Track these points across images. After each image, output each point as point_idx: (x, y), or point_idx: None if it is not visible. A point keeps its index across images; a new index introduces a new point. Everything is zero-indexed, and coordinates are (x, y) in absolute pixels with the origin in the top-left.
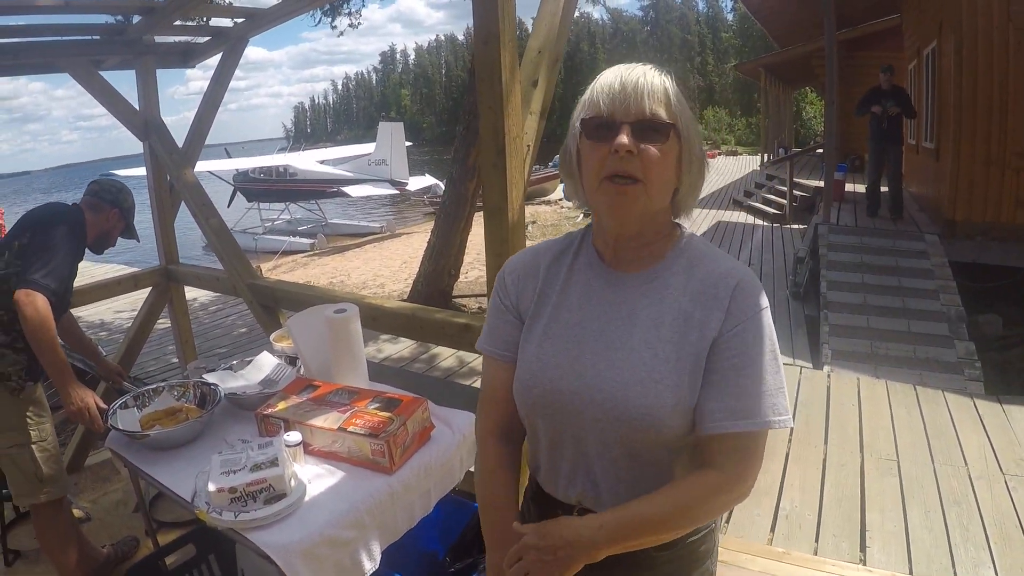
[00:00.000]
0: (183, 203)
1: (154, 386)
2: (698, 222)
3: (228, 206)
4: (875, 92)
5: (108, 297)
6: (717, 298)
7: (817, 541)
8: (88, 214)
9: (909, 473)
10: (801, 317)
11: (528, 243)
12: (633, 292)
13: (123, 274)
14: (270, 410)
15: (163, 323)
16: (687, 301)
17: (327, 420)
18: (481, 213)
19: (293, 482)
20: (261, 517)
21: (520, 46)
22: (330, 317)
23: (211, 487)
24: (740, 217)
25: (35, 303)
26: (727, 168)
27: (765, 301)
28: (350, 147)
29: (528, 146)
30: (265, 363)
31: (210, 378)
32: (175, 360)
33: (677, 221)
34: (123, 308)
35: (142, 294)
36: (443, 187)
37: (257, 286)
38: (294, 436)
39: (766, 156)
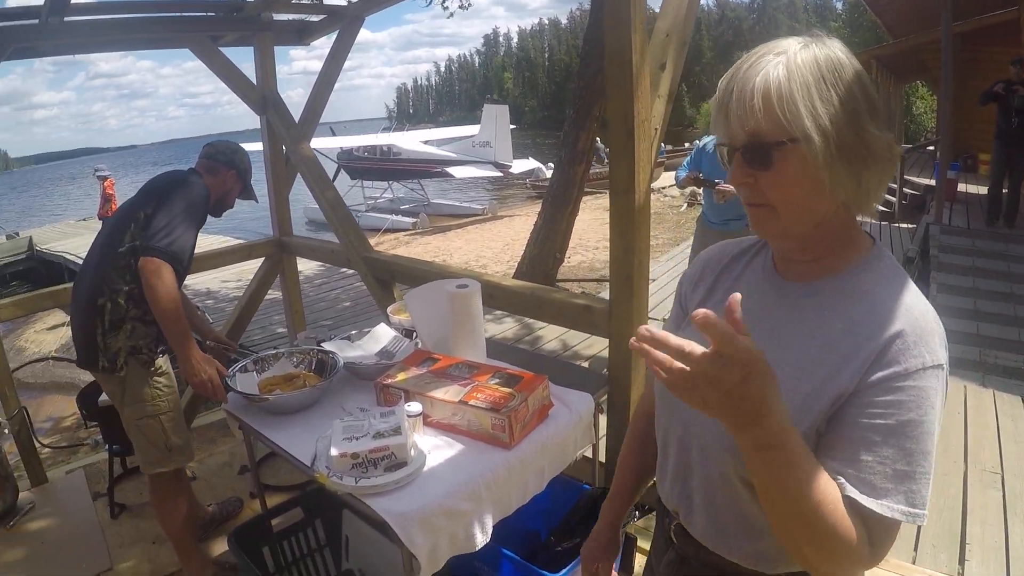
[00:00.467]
0: (297, 177)
1: (273, 352)
2: None
3: (334, 179)
4: (1004, 85)
5: (222, 266)
6: (871, 339)
7: (916, 550)
8: (205, 178)
9: (1013, 487)
10: None
11: None
12: (786, 304)
13: (237, 244)
14: (390, 380)
15: (269, 294)
16: (839, 330)
17: (448, 393)
18: (588, 198)
19: (414, 451)
20: (381, 484)
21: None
22: (452, 292)
23: (334, 452)
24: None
25: (160, 273)
26: None
27: (934, 359)
28: (454, 128)
29: (655, 129)
30: (382, 334)
31: (327, 347)
32: (281, 330)
33: (866, 233)
34: (228, 278)
35: (247, 265)
36: (546, 171)
37: (373, 259)
38: (415, 407)
39: None
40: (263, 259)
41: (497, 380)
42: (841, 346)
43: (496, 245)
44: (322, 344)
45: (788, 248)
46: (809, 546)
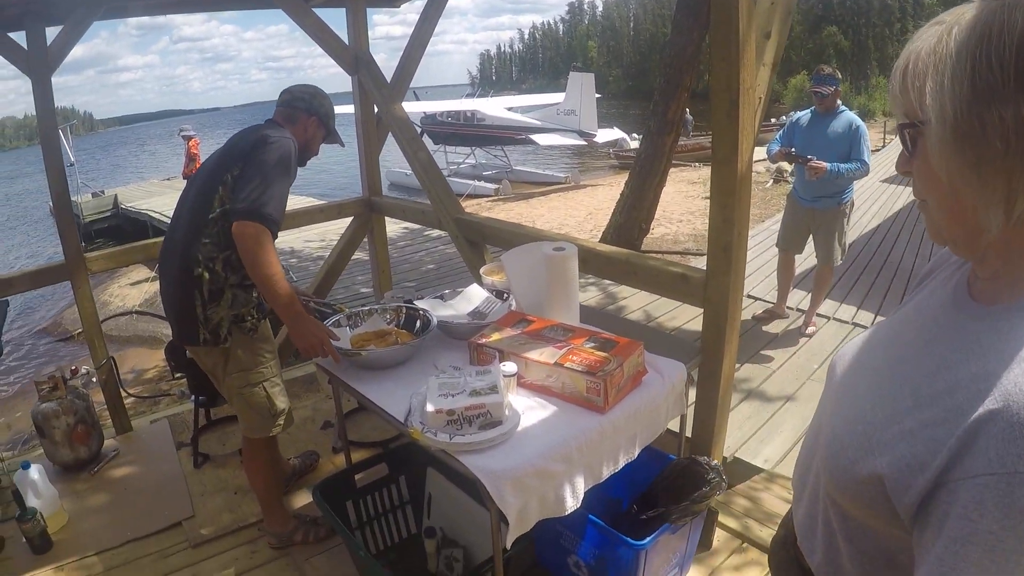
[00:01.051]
0: (388, 138)
1: (367, 308)
2: (892, 199)
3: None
4: None
5: (310, 224)
6: (960, 412)
7: None
8: (286, 128)
9: None
10: None
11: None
12: (953, 325)
13: (327, 203)
14: (484, 340)
15: (354, 255)
16: (966, 378)
17: (543, 354)
18: (672, 170)
19: (508, 411)
20: (475, 441)
21: None
22: (549, 254)
23: (429, 408)
24: None
25: (259, 239)
26: None
27: None
28: (538, 96)
29: (759, 98)
30: (474, 295)
31: (420, 305)
32: (365, 290)
33: None
34: (311, 238)
35: (330, 225)
36: (630, 141)
37: (464, 221)
38: (511, 367)
39: None
40: (351, 219)
41: (592, 344)
42: (947, 401)
43: (579, 214)
44: (416, 302)
45: (966, 257)
46: None
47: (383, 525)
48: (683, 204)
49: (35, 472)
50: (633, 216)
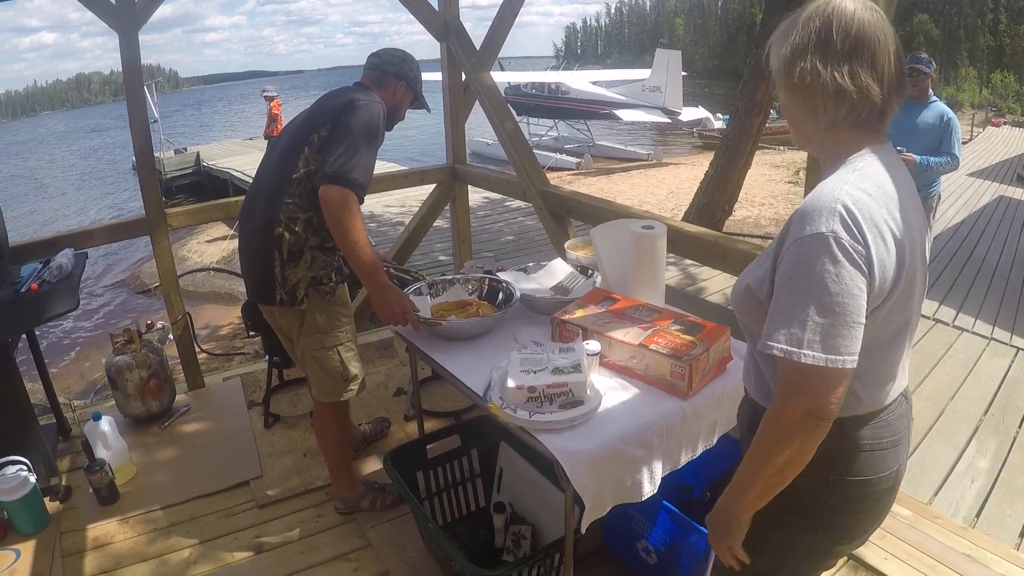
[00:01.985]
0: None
1: (448, 277)
2: (979, 193)
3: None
4: None
5: (393, 189)
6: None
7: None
8: (375, 91)
9: None
10: None
11: (799, 191)
12: None
13: (410, 168)
14: (568, 316)
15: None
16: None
17: (627, 335)
18: (757, 152)
19: (590, 391)
20: (556, 420)
21: None
22: (637, 232)
23: (510, 383)
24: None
25: (347, 204)
26: (1013, 139)
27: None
28: (624, 71)
29: None
30: (558, 269)
31: (503, 277)
32: (443, 258)
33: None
34: (391, 203)
35: (411, 192)
36: (714, 121)
37: (550, 193)
38: (594, 345)
39: None
40: (434, 186)
41: (679, 327)
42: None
43: (660, 192)
44: (498, 274)
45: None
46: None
47: (452, 497)
48: (766, 187)
49: (105, 424)
50: (716, 197)
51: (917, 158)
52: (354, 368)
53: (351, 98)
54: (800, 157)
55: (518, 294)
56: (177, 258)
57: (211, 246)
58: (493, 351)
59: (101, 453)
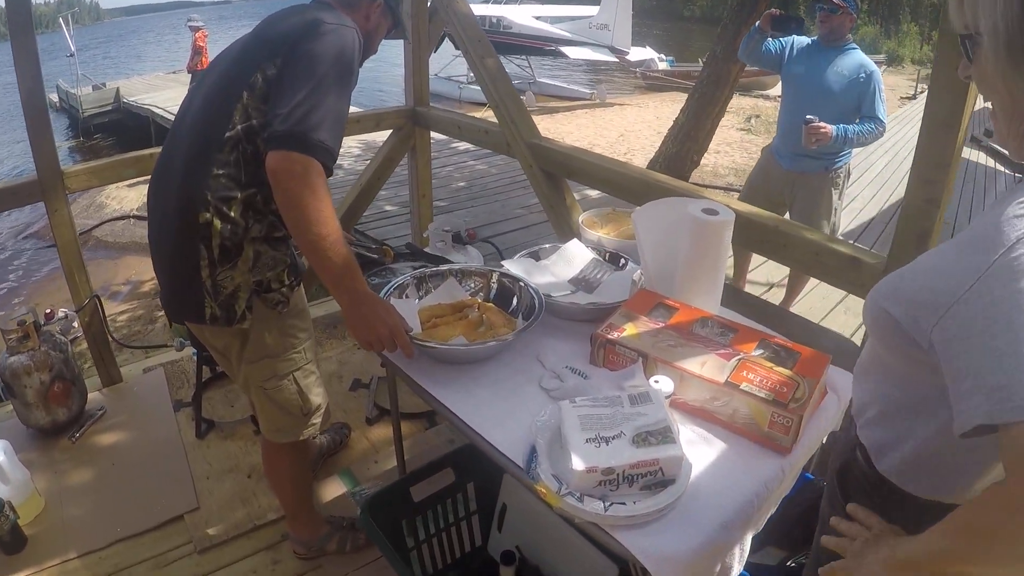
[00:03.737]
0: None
1: (439, 269)
2: None
3: (435, 51)
4: None
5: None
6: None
7: None
8: (344, 13)
9: None
10: None
11: (752, 139)
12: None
13: (363, 111)
14: (617, 334)
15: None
16: None
17: (705, 366)
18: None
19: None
20: (643, 513)
21: None
22: (698, 218)
23: (577, 464)
24: (980, 158)
25: (306, 175)
26: None
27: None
28: (570, 7)
29: None
30: (575, 255)
31: (511, 268)
32: (393, 210)
33: None
34: (342, 152)
35: (372, 138)
36: (658, 62)
37: (543, 148)
38: (667, 384)
39: None
40: (390, 132)
41: (766, 353)
42: None
43: (610, 135)
44: (505, 265)
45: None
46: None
47: (443, 540)
48: (718, 134)
49: (0, 453)
50: (687, 146)
51: (833, 130)
52: (316, 397)
53: (313, 19)
54: (749, 104)
55: (542, 302)
56: (94, 206)
57: (132, 191)
58: (511, 380)
59: None
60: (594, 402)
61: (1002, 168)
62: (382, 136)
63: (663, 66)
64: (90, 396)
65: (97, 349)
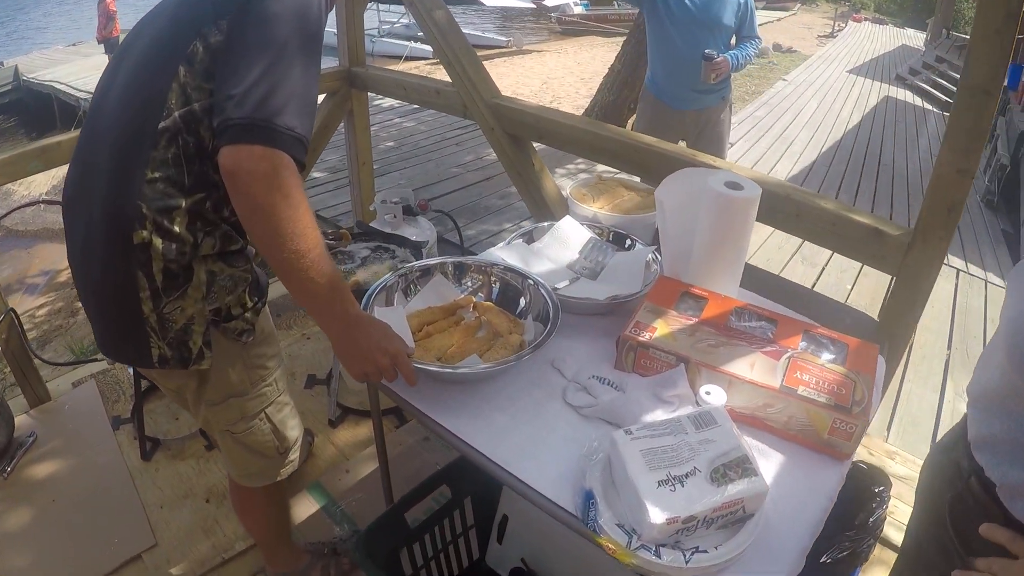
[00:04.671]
0: None
1: (424, 263)
2: (865, 93)
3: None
4: None
5: None
6: None
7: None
8: None
9: None
10: (996, 230)
11: None
12: None
13: None
14: (649, 335)
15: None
16: None
17: (756, 368)
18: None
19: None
20: (727, 560)
21: None
22: (722, 194)
23: (654, 517)
24: (908, 97)
25: (274, 174)
26: (877, 35)
27: None
28: None
29: None
30: (570, 235)
31: (507, 257)
32: (323, 177)
33: None
34: None
35: None
36: (573, 7)
37: (506, 109)
38: (720, 395)
39: (943, 32)
40: (322, 97)
41: (811, 347)
42: None
43: (533, 83)
44: (499, 253)
45: None
46: None
47: (442, 560)
48: None
49: None
50: (624, 95)
51: (729, 61)
52: (292, 431)
53: None
54: None
55: (555, 300)
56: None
57: (40, 174)
58: (529, 396)
59: None
60: (652, 432)
61: (930, 107)
62: None
63: (578, 10)
64: (17, 421)
65: (19, 368)
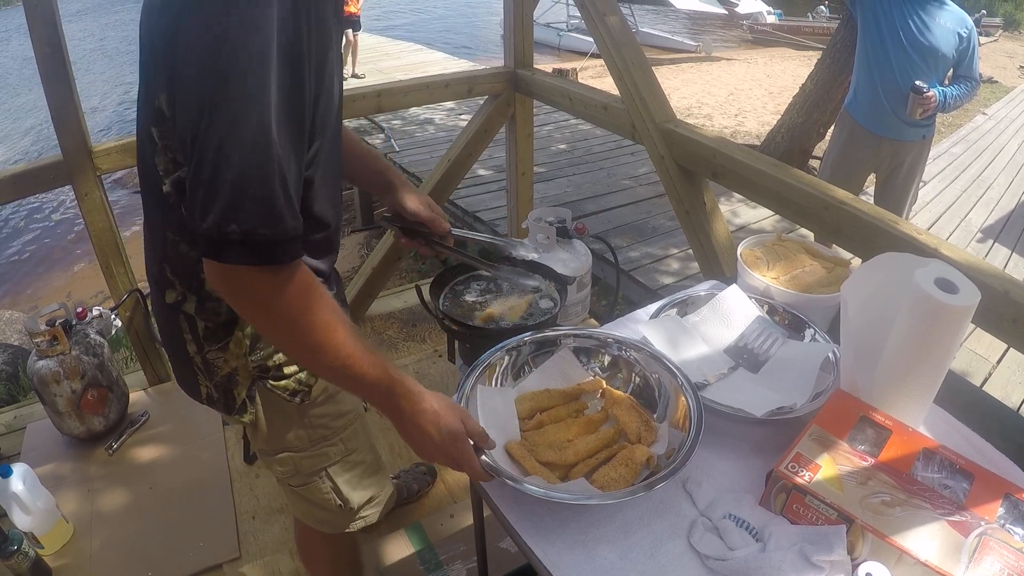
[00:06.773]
0: None
1: (548, 335)
2: None
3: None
4: None
5: (427, 103)
6: None
7: None
8: None
9: None
10: None
11: None
12: None
13: (454, 73)
14: (809, 476)
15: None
16: None
17: (936, 544)
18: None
19: None
20: None
21: None
22: (932, 297)
23: None
24: None
25: (261, 296)
26: None
27: None
28: None
29: None
30: (734, 309)
31: (653, 335)
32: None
33: None
34: (423, 115)
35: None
36: (766, 15)
37: (680, 137)
38: (880, 572)
39: None
40: (485, 99)
41: (1011, 518)
42: None
43: (719, 93)
44: (644, 330)
45: None
46: None
47: None
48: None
49: (19, 481)
50: (815, 117)
51: (937, 96)
52: (363, 492)
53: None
54: None
55: (701, 408)
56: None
57: None
58: (647, 527)
59: (18, 519)
60: None
61: None
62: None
63: (771, 19)
64: (133, 397)
65: (141, 347)
